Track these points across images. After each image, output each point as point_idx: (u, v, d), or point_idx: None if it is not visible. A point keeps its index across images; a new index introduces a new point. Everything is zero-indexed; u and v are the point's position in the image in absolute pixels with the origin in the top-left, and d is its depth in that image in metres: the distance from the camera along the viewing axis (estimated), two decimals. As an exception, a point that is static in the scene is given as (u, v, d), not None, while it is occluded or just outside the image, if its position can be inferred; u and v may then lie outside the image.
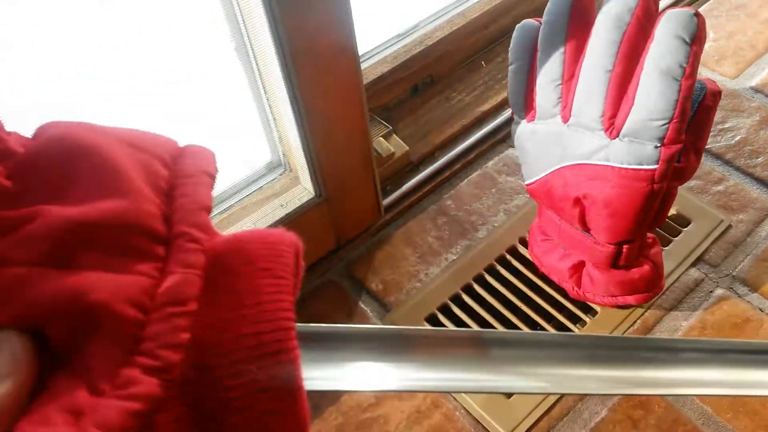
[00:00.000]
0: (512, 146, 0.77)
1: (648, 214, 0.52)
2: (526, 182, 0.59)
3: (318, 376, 0.21)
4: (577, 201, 0.54)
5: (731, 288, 0.62)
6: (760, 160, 0.72)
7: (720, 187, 0.70)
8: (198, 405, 0.16)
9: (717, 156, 0.73)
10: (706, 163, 0.73)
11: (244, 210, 0.62)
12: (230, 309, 0.17)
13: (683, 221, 0.68)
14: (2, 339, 0.15)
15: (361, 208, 0.68)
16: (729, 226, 0.67)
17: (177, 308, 0.16)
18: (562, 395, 0.56)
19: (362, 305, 0.65)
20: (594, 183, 0.52)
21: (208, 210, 0.18)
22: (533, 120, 0.56)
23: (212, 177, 0.18)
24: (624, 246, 0.55)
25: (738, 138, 0.75)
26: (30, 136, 0.17)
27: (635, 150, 0.49)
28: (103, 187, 0.16)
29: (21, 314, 0.15)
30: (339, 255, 0.69)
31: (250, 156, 0.64)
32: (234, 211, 0.62)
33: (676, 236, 0.66)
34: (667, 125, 0.47)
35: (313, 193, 0.63)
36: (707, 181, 0.71)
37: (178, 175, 0.18)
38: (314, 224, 0.64)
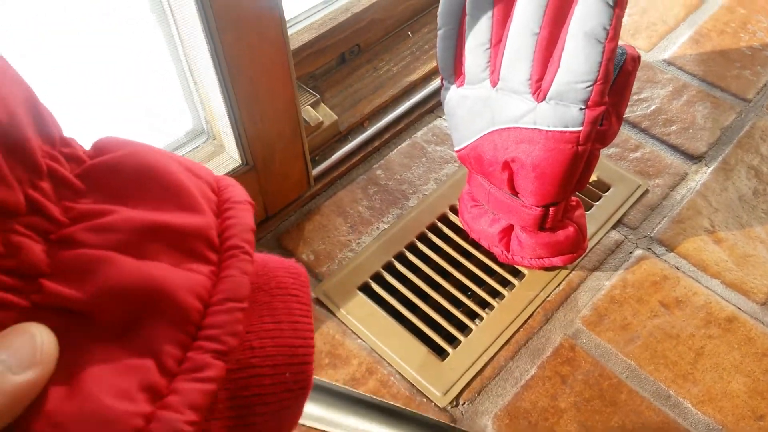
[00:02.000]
0: (440, 116, 0.78)
1: (573, 176, 0.53)
2: (456, 148, 0.60)
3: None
4: (506, 165, 0.55)
5: (649, 248, 0.65)
6: (673, 128, 0.76)
7: (637, 154, 0.73)
8: (236, 395, 0.19)
9: (633, 125, 0.76)
10: (624, 132, 0.76)
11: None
12: (271, 322, 0.20)
13: (603, 187, 0.70)
14: (29, 329, 0.15)
15: (290, 178, 0.66)
16: (646, 191, 0.70)
17: (236, 303, 0.18)
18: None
19: (293, 276, 0.63)
20: (522, 146, 0.53)
21: (254, 232, 0.20)
22: (462, 85, 0.56)
23: (252, 205, 0.21)
24: (550, 208, 0.56)
25: (653, 107, 0.78)
26: (89, 148, 0.20)
27: (561, 112, 0.49)
28: (175, 201, 0.19)
29: (97, 291, 0.16)
30: (268, 226, 0.67)
31: (170, 123, 0.61)
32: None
33: (597, 201, 0.69)
34: (591, 87, 0.48)
35: (240, 162, 0.60)
36: (625, 148, 0.74)
37: (226, 201, 0.21)
38: (241, 194, 0.62)
